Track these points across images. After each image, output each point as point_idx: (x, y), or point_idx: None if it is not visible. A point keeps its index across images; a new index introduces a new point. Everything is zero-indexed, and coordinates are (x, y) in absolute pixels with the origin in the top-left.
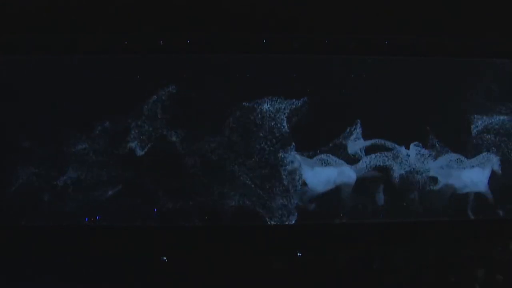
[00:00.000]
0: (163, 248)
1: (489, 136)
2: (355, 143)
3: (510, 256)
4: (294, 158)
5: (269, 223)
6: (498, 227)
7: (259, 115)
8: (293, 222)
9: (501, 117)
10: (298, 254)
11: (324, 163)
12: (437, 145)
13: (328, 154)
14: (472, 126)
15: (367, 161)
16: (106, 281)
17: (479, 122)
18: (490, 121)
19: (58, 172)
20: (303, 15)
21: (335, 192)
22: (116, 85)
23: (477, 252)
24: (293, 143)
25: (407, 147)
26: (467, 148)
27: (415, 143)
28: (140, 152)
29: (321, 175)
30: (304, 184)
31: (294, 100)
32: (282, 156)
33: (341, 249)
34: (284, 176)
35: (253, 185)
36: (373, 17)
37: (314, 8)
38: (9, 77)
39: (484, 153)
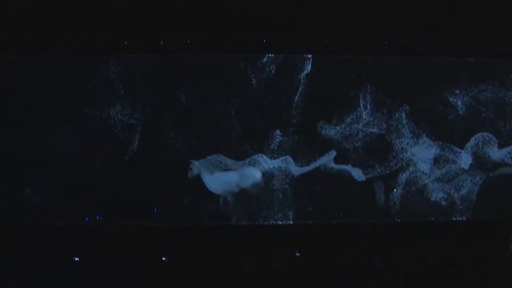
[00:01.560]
0: (163, 248)
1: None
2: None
3: (510, 256)
4: (193, 165)
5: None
6: (498, 227)
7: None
8: (209, 224)
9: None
10: (297, 254)
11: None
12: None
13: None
14: (470, 122)
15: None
16: (106, 281)
17: (479, 119)
18: (491, 118)
19: (58, 171)
20: (303, 15)
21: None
22: (116, 84)
23: (477, 252)
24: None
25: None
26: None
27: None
28: (141, 152)
29: (220, 179)
30: (205, 189)
31: (293, 96)
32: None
33: (341, 249)
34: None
35: None
36: (373, 17)
37: (314, 8)
38: (8, 77)
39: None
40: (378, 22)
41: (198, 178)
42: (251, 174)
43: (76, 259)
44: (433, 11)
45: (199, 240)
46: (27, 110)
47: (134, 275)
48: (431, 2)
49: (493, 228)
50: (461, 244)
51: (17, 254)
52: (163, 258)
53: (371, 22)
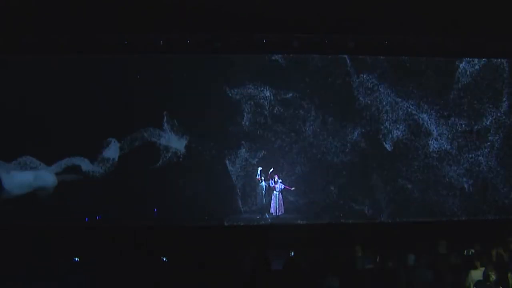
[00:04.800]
0: (163, 248)
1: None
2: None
3: (510, 256)
4: None
5: None
6: (498, 227)
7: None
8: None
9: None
10: (291, 253)
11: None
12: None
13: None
14: (474, 123)
15: None
16: (106, 281)
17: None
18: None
19: (59, 170)
20: (303, 15)
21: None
22: (116, 84)
23: (477, 252)
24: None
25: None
26: None
27: None
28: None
29: (16, 178)
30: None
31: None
32: None
33: (341, 249)
34: None
35: None
36: (373, 17)
37: (314, 8)
38: (7, 77)
39: None
40: (378, 22)
41: None
42: (44, 177)
43: (76, 259)
44: (433, 11)
45: (199, 240)
46: (27, 110)
47: (134, 275)
48: (431, 2)
49: (493, 228)
50: (461, 244)
51: (17, 254)
52: (164, 258)
53: (371, 22)
